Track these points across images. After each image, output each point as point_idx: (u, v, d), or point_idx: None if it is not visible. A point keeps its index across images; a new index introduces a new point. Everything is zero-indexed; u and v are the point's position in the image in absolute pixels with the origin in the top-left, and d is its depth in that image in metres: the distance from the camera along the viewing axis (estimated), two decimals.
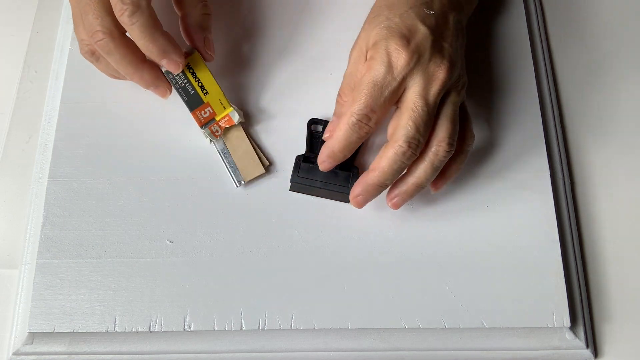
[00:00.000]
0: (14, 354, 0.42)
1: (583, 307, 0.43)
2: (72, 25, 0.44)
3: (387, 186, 0.41)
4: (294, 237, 0.43)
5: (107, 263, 0.42)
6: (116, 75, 0.44)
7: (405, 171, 0.41)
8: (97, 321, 0.41)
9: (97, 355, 0.41)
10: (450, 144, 0.39)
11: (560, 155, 0.47)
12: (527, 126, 0.47)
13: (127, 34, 0.40)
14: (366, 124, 0.39)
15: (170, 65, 0.42)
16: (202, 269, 0.42)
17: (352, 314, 0.41)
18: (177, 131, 0.46)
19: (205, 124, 0.45)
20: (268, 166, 0.45)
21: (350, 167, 0.45)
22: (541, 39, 0.52)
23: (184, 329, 0.41)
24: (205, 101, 0.44)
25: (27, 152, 0.48)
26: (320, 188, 0.44)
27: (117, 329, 0.41)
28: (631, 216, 0.47)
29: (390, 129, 0.40)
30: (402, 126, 0.39)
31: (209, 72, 0.44)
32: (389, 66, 0.39)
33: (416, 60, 0.39)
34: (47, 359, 0.41)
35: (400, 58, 0.38)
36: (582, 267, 0.45)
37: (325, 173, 0.44)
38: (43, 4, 0.53)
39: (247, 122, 0.47)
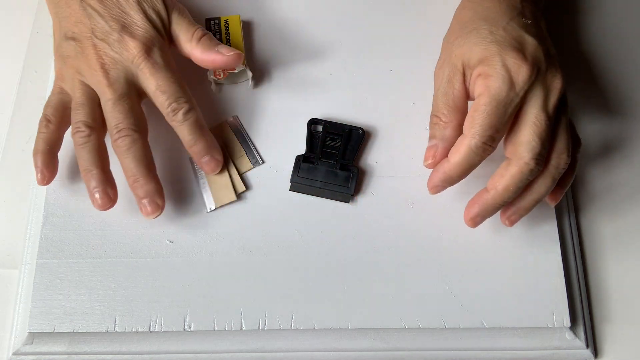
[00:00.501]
0: (14, 354, 0.42)
1: (583, 307, 0.43)
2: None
3: (503, 205, 0.39)
4: (294, 237, 0.43)
5: (107, 263, 0.42)
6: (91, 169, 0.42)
7: None
8: (97, 321, 0.41)
9: (97, 355, 0.41)
10: (569, 155, 0.38)
11: None
12: None
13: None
14: (490, 146, 0.37)
15: (212, 163, 0.43)
16: (202, 269, 0.42)
17: (352, 314, 0.41)
18: None
19: (211, 73, 0.46)
20: (241, 193, 0.44)
21: (350, 168, 0.45)
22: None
23: (184, 329, 0.41)
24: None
25: (27, 152, 0.48)
26: (320, 188, 0.44)
27: (117, 329, 0.41)
28: (631, 216, 0.47)
29: (509, 146, 0.38)
30: (527, 142, 0.37)
31: (241, 35, 0.47)
32: (510, 82, 0.37)
33: (536, 72, 0.37)
34: (47, 359, 0.41)
35: (521, 72, 0.37)
36: (582, 267, 0.45)
37: (325, 173, 0.44)
38: (43, 4, 0.53)
39: (247, 123, 0.47)
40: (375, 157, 0.46)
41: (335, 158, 0.45)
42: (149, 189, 0.41)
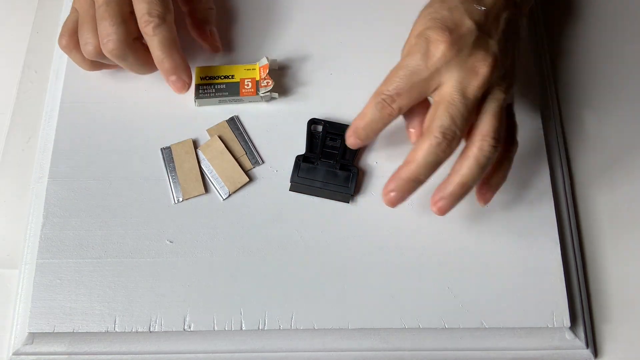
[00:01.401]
0: (14, 354, 0.42)
1: (583, 307, 0.43)
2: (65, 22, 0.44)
3: (422, 182, 0.39)
4: (294, 237, 0.43)
5: (107, 263, 0.42)
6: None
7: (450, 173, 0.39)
8: (97, 321, 0.41)
9: (97, 355, 0.41)
10: (495, 139, 0.38)
11: (560, 154, 0.47)
12: (527, 126, 0.47)
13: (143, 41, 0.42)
14: (389, 105, 0.39)
15: (178, 83, 0.43)
16: (202, 269, 0.42)
17: (352, 314, 0.41)
18: (177, 131, 0.46)
19: (257, 90, 0.46)
20: (203, 190, 0.45)
21: (350, 168, 0.45)
22: (543, 38, 0.52)
23: (184, 329, 0.41)
24: (238, 80, 0.46)
25: (27, 152, 0.48)
26: (320, 188, 0.44)
27: (117, 329, 0.41)
28: (631, 216, 0.47)
29: (426, 122, 0.39)
30: (437, 117, 0.38)
31: (217, 66, 0.47)
32: (426, 55, 0.38)
33: (455, 53, 0.38)
34: (47, 359, 0.41)
35: (438, 49, 0.38)
36: (582, 267, 0.45)
37: (325, 173, 0.44)
38: (43, 4, 0.53)
39: (247, 122, 0.47)
40: (375, 157, 0.46)
41: (335, 158, 0.45)
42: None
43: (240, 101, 0.46)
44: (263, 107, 0.47)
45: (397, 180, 0.39)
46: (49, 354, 0.41)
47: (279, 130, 0.46)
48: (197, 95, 0.46)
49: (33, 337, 0.41)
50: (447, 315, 0.41)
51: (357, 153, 0.45)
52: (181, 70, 0.43)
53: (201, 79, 0.46)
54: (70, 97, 0.47)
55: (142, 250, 0.43)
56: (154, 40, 0.41)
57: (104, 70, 0.47)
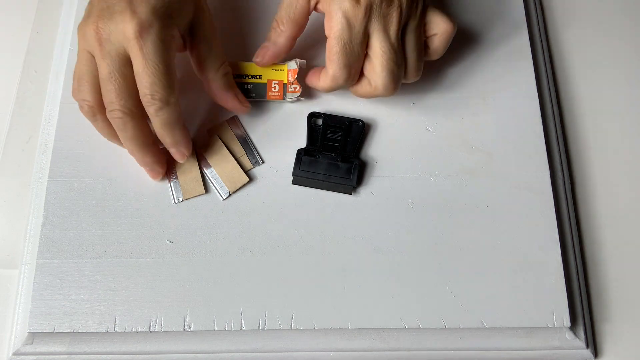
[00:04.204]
0: (14, 354, 0.42)
1: (583, 307, 0.43)
2: (78, 35, 0.42)
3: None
4: (295, 237, 0.43)
5: (107, 263, 0.42)
6: (111, 140, 0.43)
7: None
8: (97, 321, 0.41)
9: (97, 355, 0.41)
10: (417, 70, 0.44)
11: (560, 155, 0.47)
12: (527, 126, 0.47)
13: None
14: (352, 80, 0.43)
15: (177, 155, 0.43)
16: (202, 269, 0.42)
17: (352, 314, 0.41)
18: None
19: (284, 94, 0.46)
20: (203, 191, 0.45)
21: (352, 159, 0.45)
22: (541, 38, 0.52)
23: (184, 329, 0.41)
24: (265, 81, 0.46)
25: (27, 152, 0.48)
26: (322, 180, 0.44)
27: (117, 329, 0.41)
28: (631, 216, 0.47)
29: (366, 71, 0.43)
30: (378, 75, 0.42)
31: (245, 63, 0.46)
32: (348, 23, 0.41)
33: (370, 10, 0.41)
34: (47, 359, 0.41)
35: (356, 14, 0.40)
36: (582, 267, 0.45)
37: (327, 165, 0.44)
38: (43, 4, 0.53)
39: (247, 122, 0.47)
40: (375, 157, 0.46)
41: (336, 150, 0.45)
42: (146, 161, 0.42)
43: (265, 101, 0.46)
44: (264, 106, 0.47)
45: (314, 82, 0.45)
46: (49, 354, 0.41)
47: (279, 130, 0.46)
48: None
49: (33, 337, 0.41)
50: (447, 315, 0.41)
51: (358, 145, 0.45)
52: (181, 145, 0.42)
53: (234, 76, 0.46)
54: (70, 97, 0.47)
55: (142, 250, 0.43)
56: (155, 120, 0.40)
57: None
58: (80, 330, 0.41)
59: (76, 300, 0.41)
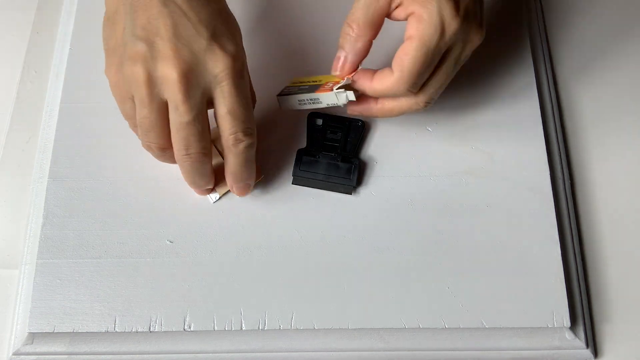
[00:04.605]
0: (14, 354, 0.42)
1: (583, 307, 0.43)
2: (102, 29, 0.40)
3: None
4: (294, 237, 0.43)
5: (107, 263, 0.42)
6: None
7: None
8: (97, 321, 0.41)
9: (97, 355, 0.41)
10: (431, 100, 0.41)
11: (560, 155, 0.47)
12: (527, 126, 0.47)
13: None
14: (412, 92, 0.40)
15: (243, 189, 0.42)
16: (202, 269, 0.42)
17: (352, 314, 0.41)
18: None
19: (335, 87, 0.41)
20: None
21: (351, 159, 0.44)
22: (541, 38, 0.52)
23: (184, 329, 0.41)
24: (322, 82, 0.42)
25: (27, 152, 0.48)
26: (322, 180, 0.44)
27: (117, 329, 0.41)
28: (631, 216, 0.47)
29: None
30: (431, 87, 0.40)
31: (310, 77, 0.44)
32: (442, 31, 0.37)
33: (465, 26, 0.38)
34: (47, 359, 0.41)
35: (453, 24, 0.37)
36: (582, 267, 0.45)
37: (327, 165, 0.44)
38: (43, 4, 0.53)
39: None
40: (375, 157, 0.46)
41: (336, 150, 0.45)
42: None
43: (318, 102, 0.42)
44: (263, 104, 0.47)
45: (366, 112, 0.42)
46: (49, 354, 0.41)
47: (280, 130, 0.46)
48: (281, 93, 0.43)
49: (33, 337, 0.41)
50: (447, 315, 0.41)
51: (358, 145, 0.45)
52: (251, 179, 0.42)
53: (292, 83, 0.44)
54: (70, 97, 0.47)
55: (142, 250, 0.43)
56: (241, 157, 0.39)
57: (102, 70, 0.46)
58: (80, 330, 0.41)
59: (76, 300, 0.41)
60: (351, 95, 0.41)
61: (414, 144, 0.46)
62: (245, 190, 0.42)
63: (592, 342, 0.43)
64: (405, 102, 0.41)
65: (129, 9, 0.37)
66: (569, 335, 0.42)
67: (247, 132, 0.38)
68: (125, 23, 0.37)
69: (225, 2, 0.40)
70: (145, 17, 0.36)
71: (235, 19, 0.40)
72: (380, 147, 0.46)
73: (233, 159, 0.39)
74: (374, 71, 0.40)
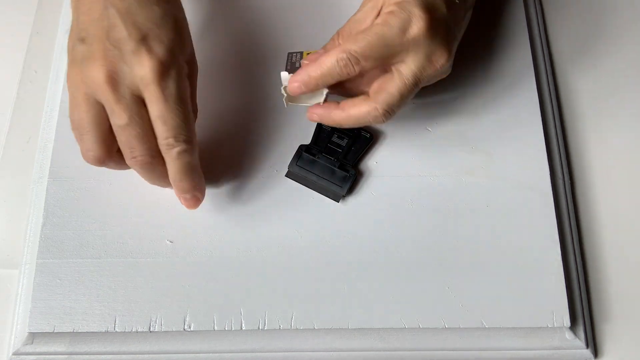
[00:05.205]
0: (14, 354, 0.42)
1: (583, 307, 0.43)
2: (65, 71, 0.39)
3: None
4: (294, 237, 0.43)
5: (107, 263, 0.42)
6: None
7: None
8: (97, 321, 0.41)
9: (97, 355, 0.41)
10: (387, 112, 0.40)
11: (560, 155, 0.47)
12: (527, 126, 0.47)
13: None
14: (353, 66, 0.38)
15: (191, 201, 0.40)
16: (202, 269, 0.42)
17: (352, 314, 0.41)
18: None
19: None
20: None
21: (348, 169, 0.44)
22: (541, 38, 0.52)
23: (184, 329, 0.41)
24: None
25: (27, 152, 0.48)
26: (314, 181, 0.44)
27: (117, 329, 0.41)
28: (631, 216, 0.47)
29: (375, 86, 0.40)
30: (389, 93, 0.39)
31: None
32: (404, 29, 0.38)
33: (431, 37, 0.38)
34: (47, 359, 0.41)
35: (416, 27, 0.38)
36: (582, 267, 0.45)
37: (322, 168, 0.44)
38: (43, 4, 0.53)
39: (251, 122, 0.47)
40: (375, 156, 0.46)
41: (337, 156, 0.45)
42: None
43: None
44: (267, 105, 0.47)
45: (326, 118, 0.41)
46: (49, 354, 0.41)
47: (282, 130, 0.46)
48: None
49: (33, 337, 0.41)
50: (447, 315, 0.41)
51: (360, 156, 0.45)
52: (197, 190, 0.40)
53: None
54: None
55: (142, 250, 0.43)
56: (176, 163, 0.38)
57: None
58: (80, 330, 0.41)
59: (76, 300, 0.41)
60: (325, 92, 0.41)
61: (414, 144, 0.46)
62: (193, 202, 0.40)
63: (592, 342, 0.43)
64: (364, 108, 0.40)
65: (74, 12, 0.39)
66: (568, 335, 0.42)
67: (178, 139, 0.37)
68: (72, 26, 0.39)
69: (177, 7, 0.40)
70: (87, 20, 0.37)
71: (185, 24, 0.40)
72: (380, 146, 0.46)
73: (169, 166, 0.38)
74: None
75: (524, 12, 0.51)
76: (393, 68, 0.39)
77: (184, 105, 0.37)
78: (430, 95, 0.48)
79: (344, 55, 0.38)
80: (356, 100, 0.40)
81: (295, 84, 0.40)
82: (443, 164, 0.46)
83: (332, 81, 0.39)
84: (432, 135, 0.47)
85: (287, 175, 0.45)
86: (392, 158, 0.46)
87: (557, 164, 0.47)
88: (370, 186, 0.45)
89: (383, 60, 0.39)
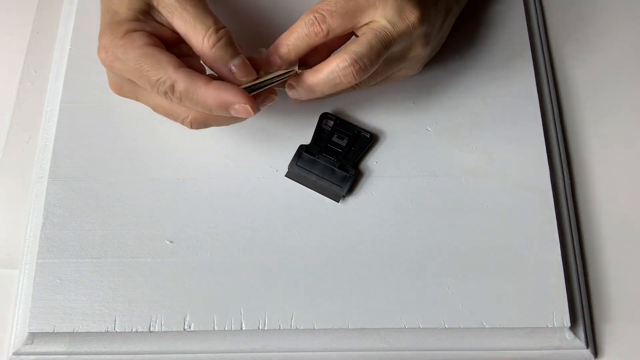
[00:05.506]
0: (14, 354, 0.42)
1: (583, 307, 0.43)
2: (98, 35, 0.39)
3: (317, 97, 0.40)
4: (294, 237, 0.43)
5: (107, 263, 0.42)
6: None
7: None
8: (97, 321, 0.41)
9: (97, 355, 0.41)
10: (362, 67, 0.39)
11: (560, 155, 0.47)
12: (527, 126, 0.47)
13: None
14: (319, 25, 0.38)
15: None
16: (202, 269, 0.42)
17: (352, 314, 0.41)
18: (178, 131, 0.46)
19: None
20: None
21: (349, 169, 0.44)
22: (541, 38, 0.52)
23: (184, 329, 0.41)
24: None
25: (27, 152, 0.48)
26: (314, 181, 0.44)
27: (117, 329, 0.41)
28: (631, 216, 0.47)
29: (347, 43, 0.39)
30: (358, 42, 0.38)
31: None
32: (394, 25, 0.38)
33: (422, 26, 0.39)
34: (47, 359, 0.41)
35: (411, 17, 0.38)
36: (582, 267, 0.45)
37: (322, 168, 0.44)
38: (43, 4, 0.53)
39: (253, 121, 0.47)
40: (375, 156, 0.46)
41: (337, 156, 0.45)
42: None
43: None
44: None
45: (298, 83, 0.40)
46: (49, 354, 0.41)
47: (282, 129, 0.46)
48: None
49: (33, 337, 0.41)
50: (447, 315, 0.41)
51: (360, 156, 0.45)
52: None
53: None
54: (70, 97, 0.47)
55: (142, 250, 0.43)
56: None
57: (103, 71, 0.46)
58: (80, 330, 0.41)
59: (76, 300, 0.41)
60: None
61: (414, 144, 0.46)
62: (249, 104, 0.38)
63: (592, 342, 0.43)
64: (333, 61, 0.38)
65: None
66: (569, 335, 0.42)
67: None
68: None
69: None
70: None
71: None
72: (380, 146, 0.46)
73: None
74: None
75: (523, 11, 0.51)
76: (364, 27, 0.39)
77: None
78: (431, 95, 0.48)
79: (311, 15, 0.38)
80: (328, 59, 0.39)
81: (272, 57, 0.39)
82: (443, 164, 0.46)
83: (303, 46, 0.39)
84: (432, 135, 0.47)
85: (287, 175, 0.45)
86: (392, 158, 0.46)
87: (557, 164, 0.47)
88: (370, 186, 0.45)
89: (350, 18, 0.38)
